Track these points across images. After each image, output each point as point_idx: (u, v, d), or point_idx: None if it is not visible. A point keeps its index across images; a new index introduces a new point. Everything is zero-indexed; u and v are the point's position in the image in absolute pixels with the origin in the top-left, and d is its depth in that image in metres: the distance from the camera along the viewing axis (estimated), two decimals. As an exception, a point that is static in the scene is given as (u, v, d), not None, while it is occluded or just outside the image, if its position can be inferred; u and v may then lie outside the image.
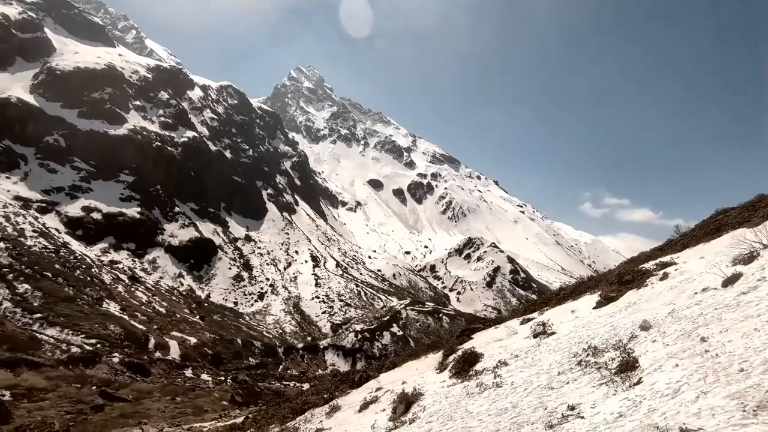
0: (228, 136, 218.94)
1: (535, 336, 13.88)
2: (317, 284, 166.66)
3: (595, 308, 14.61)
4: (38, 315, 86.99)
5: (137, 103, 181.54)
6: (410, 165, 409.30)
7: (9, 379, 45.26)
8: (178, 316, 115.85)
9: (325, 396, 22.37)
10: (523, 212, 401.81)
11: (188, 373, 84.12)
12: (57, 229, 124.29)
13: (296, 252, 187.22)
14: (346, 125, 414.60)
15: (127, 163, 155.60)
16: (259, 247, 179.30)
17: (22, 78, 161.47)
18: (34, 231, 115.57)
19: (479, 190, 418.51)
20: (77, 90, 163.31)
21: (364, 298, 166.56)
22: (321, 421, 16.93)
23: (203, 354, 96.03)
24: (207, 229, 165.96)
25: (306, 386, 63.38)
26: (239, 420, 28.47)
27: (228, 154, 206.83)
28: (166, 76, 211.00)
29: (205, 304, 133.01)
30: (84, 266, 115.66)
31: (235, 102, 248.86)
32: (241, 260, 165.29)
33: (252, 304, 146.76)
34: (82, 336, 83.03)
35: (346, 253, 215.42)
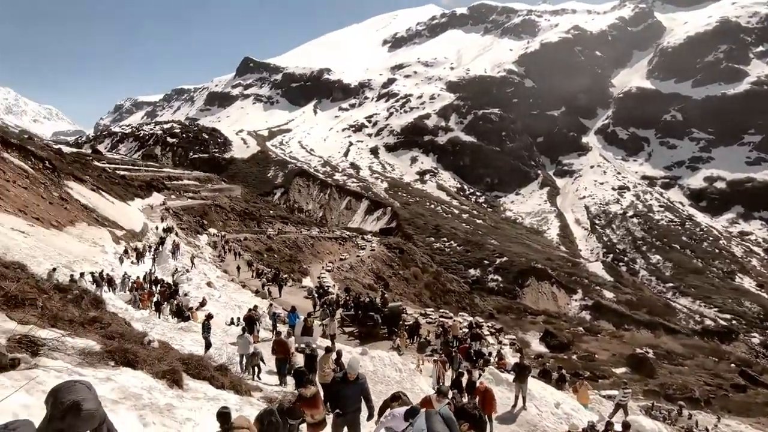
0: None
1: None
2: None
3: None
4: (670, 284, 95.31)
5: (759, 49, 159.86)
6: None
7: (649, 339, 52.96)
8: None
9: None
10: None
11: None
12: (680, 203, 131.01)
13: None
14: None
15: (751, 122, 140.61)
16: None
17: (638, 68, 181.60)
18: (660, 206, 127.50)
19: None
20: (688, 60, 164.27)
21: None
22: None
23: None
24: None
25: None
26: None
27: None
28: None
29: None
30: (711, 238, 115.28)
31: None
32: None
33: None
34: (715, 309, 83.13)
35: None
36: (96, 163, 61.33)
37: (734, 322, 76.82)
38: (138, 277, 22.06)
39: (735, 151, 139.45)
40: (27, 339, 6.01)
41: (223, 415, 4.52)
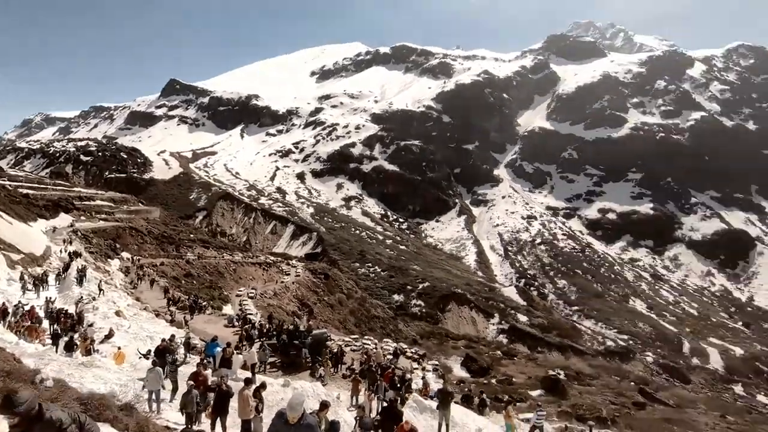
0: (747, 104, 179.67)
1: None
2: None
3: None
4: (575, 307, 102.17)
5: (634, 100, 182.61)
6: None
7: (561, 362, 55.11)
8: (714, 320, 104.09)
9: None
10: None
11: (737, 389, 73.12)
12: (580, 231, 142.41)
13: None
14: None
15: (632, 162, 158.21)
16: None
17: (539, 110, 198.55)
18: (563, 234, 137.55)
19: None
20: (580, 107, 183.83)
21: None
22: None
23: (756, 370, 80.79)
24: (736, 218, 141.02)
25: None
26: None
27: (750, 125, 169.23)
28: (659, 64, 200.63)
29: (748, 309, 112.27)
30: (607, 264, 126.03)
31: (751, 62, 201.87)
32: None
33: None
34: (614, 330, 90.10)
35: None
36: (-12, 179, 53.80)
37: (630, 341, 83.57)
38: (33, 307, 18.93)
39: (622, 186, 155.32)
40: None
41: None
